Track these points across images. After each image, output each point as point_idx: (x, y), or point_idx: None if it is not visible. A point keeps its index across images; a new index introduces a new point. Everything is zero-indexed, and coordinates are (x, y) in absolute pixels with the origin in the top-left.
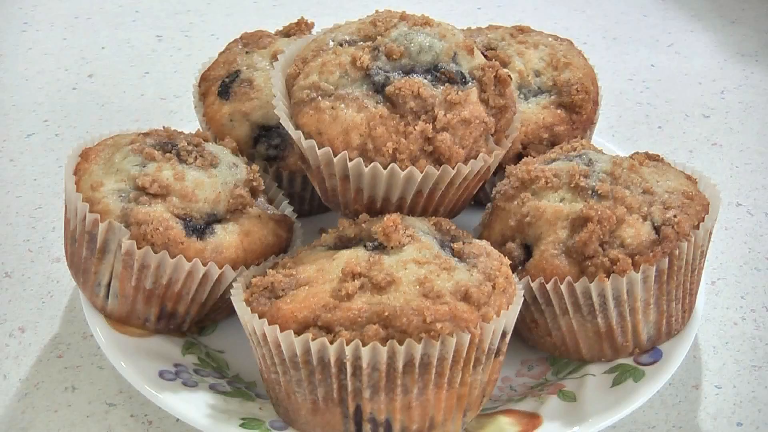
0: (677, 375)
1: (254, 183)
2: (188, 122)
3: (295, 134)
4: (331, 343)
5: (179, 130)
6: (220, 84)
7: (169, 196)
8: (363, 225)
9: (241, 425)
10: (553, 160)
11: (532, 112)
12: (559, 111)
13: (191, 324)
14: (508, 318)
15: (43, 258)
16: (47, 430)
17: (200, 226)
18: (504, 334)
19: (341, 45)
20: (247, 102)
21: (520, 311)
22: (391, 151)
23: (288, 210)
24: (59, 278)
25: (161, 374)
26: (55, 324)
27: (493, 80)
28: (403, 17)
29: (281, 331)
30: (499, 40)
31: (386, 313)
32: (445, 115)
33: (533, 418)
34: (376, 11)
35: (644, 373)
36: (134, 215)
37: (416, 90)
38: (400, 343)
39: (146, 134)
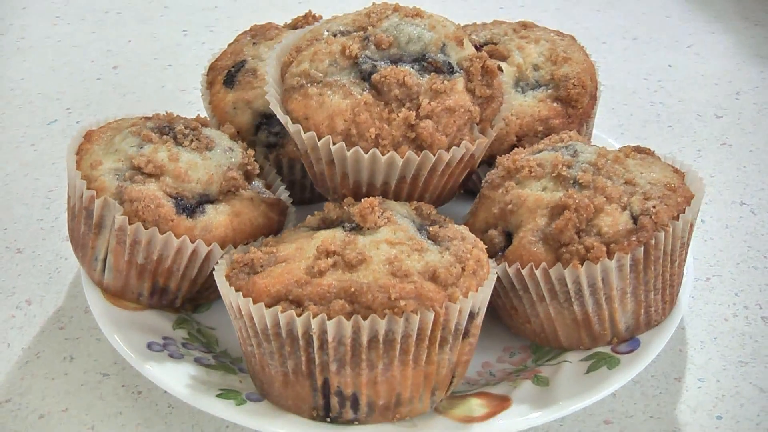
0: (660, 367)
1: (249, 167)
2: (203, 112)
3: (284, 119)
4: (299, 316)
5: (181, 116)
6: (226, 73)
7: (162, 176)
8: (345, 208)
9: (218, 395)
10: (541, 151)
11: (528, 105)
12: (555, 104)
13: (183, 300)
14: (476, 299)
15: (54, 236)
16: (43, 396)
17: (191, 205)
18: (473, 316)
19: (335, 35)
20: (250, 90)
21: (501, 297)
22: (373, 137)
23: (284, 195)
24: (67, 255)
25: (149, 346)
26: (60, 298)
27: (480, 70)
28: (396, 8)
29: (254, 303)
30: (501, 34)
31: (353, 289)
32: (429, 103)
33: (503, 401)
34: (373, 3)
35: (619, 362)
36: (128, 192)
37: (401, 78)
38: (365, 318)
39: (148, 118)
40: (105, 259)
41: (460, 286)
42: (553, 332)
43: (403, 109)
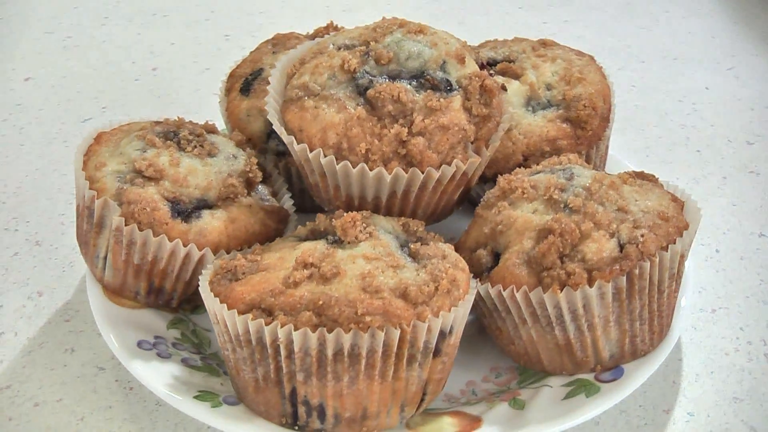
0: (650, 398)
1: (250, 174)
2: None
3: (279, 129)
4: (267, 325)
5: (191, 121)
6: (243, 81)
7: (162, 180)
8: (332, 220)
9: (196, 397)
10: (539, 172)
11: (537, 125)
12: (564, 125)
13: (180, 301)
14: (447, 319)
15: (72, 232)
16: (41, 385)
17: (187, 210)
18: (444, 335)
19: (339, 49)
20: (264, 99)
21: (487, 317)
22: (363, 152)
23: (288, 203)
24: None
25: (139, 344)
26: (70, 291)
27: (478, 89)
28: (402, 24)
29: (228, 309)
30: (520, 52)
31: (321, 302)
32: (422, 120)
33: (474, 421)
34: (383, 18)
35: (599, 390)
36: (126, 195)
37: (396, 94)
38: (330, 331)
39: (158, 123)
40: (105, 257)
41: (432, 305)
42: (536, 355)
43: (396, 125)
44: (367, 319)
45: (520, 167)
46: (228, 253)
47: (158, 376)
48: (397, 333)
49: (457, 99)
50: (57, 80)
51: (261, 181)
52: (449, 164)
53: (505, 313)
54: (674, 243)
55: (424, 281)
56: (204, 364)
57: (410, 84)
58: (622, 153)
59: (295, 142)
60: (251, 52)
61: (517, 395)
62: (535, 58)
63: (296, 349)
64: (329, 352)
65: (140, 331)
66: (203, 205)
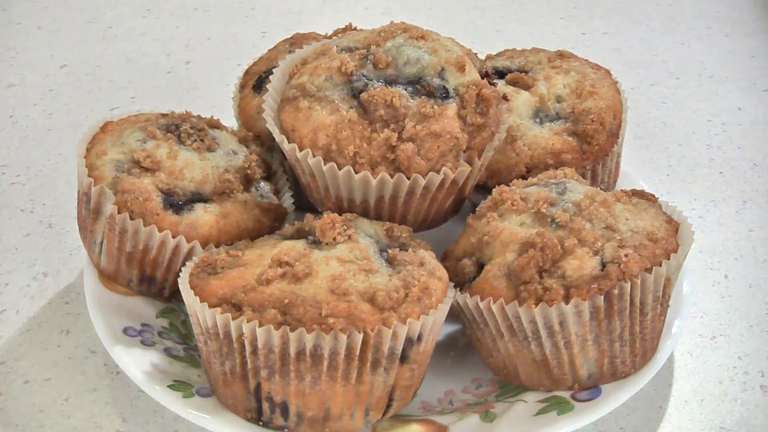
0: (632, 421)
1: (249, 171)
2: None
3: (272, 128)
4: (233, 320)
5: (199, 116)
6: (257, 78)
7: (158, 172)
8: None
9: (170, 386)
10: (533, 185)
11: (542, 137)
12: (570, 139)
13: (171, 291)
14: (414, 326)
15: None
16: (33, 363)
17: (180, 202)
18: (412, 342)
19: (342, 51)
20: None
21: (468, 328)
22: (351, 154)
23: (288, 201)
24: None
25: (125, 330)
26: (74, 275)
27: (474, 98)
28: (406, 29)
29: (200, 302)
30: (535, 63)
31: (286, 301)
32: (414, 126)
33: (441, 430)
34: (391, 22)
35: (573, 408)
36: (121, 184)
37: (389, 99)
38: (293, 330)
39: (164, 115)
40: (102, 243)
41: (400, 311)
42: (514, 369)
43: (386, 129)
44: (330, 320)
45: (522, 179)
46: (217, 247)
47: (137, 363)
48: (359, 337)
49: (452, 107)
50: (91, 69)
51: (265, 178)
52: (438, 172)
53: (483, 324)
54: (659, 265)
55: (394, 287)
56: (186, 355)
57: (406, 89)
58: (644, 170)
59: (286, 141)
60: (269, 50)
61: (491, 408)
62: (549, 70)
63: (260, 345)
64: (292, 351)
65: (128, 317)
66: (198, 198)
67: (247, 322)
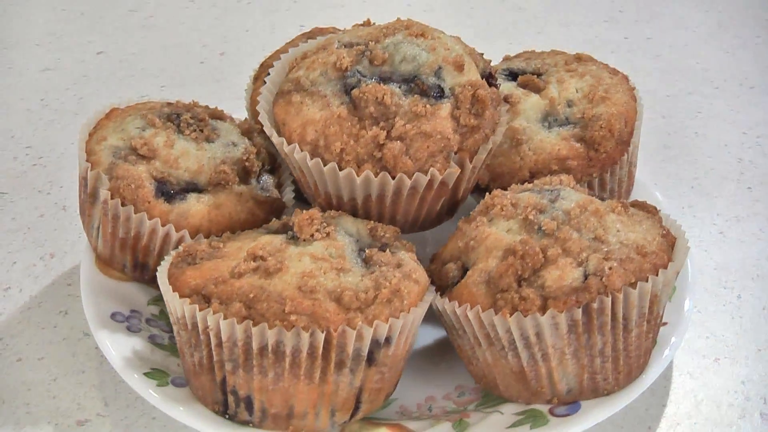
0: None
1: (247, 163)
2: None
3: (264, 120)
4: (200, 311)
5: (207, 106)
6: (269, 71)
7: (153, 159)
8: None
9: (146, 373)
10: (527, 190)
11: (549, 142)
12: (577, 145)
13: None
14: (380, 329)
15: None
16: (29, 342)
17: (172, 191)
18: (379, 344)
19: (344, 46)
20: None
21: (449, 334)
22: (338, 151)
23: (288, 195)
24: None
25: (113, 315)
26: (80, 257)
27: (470, 98)
28: (408, 26)
29: (173, 292)
30: (551, 65)
31: (252, 295)
32: (404, 125)
33: None
34: (397, 19)
35: (547, 422)
36: (116, 170)
37: (380, 96)
38: (255, 325)
39: (169, 104)
40: (98, 228)
41: (367, 312)
42: (493, 379)
43: (375, 127)
44: (293, 318)
45: (525, 183)
46: (208, 237)
47: (118, 348)
48: (321, 336)
49: (445, 107)
50: (126, 56)
51: (269, 171)
52: (426, 172)
53: (461, 331)
54: (646, 281)
55: (364, 288)
56: (170, 344)
57: (400, 87)
58: (667, 181)
59: (275, 134)
60: (285, 43)
61: (465, 417)
62: (564, 73)
63: (224, 338)
64: (254, 346)
65: (118, 303)
66: (192, 188)
67: (213, 314)
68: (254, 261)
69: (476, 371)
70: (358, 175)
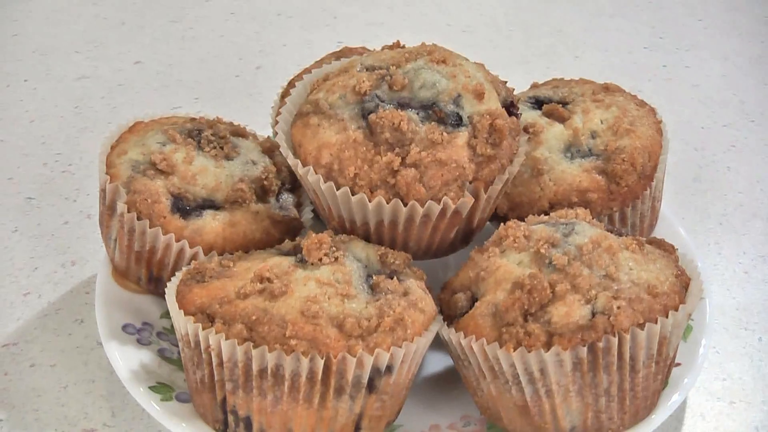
0: None
1: (265, 182)
2: None
3: (281, 142)
4: (203, 330)
5: (231, 123)
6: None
7: (171, 175)
8: None
9: (151, 387)
10: (542, 223)
11: (570, 173)
12: (599, 177)
13: None
14: (381, 357)
15: None
16: (43, 348)
17: (188, 207)
18: (381, 372)
19: (365, 70)
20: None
21: (455, 363)
22: (352, 175)
23: (307, 215)
24: None
25: (124, 327)
26: (99, 266)
27: (487, 128)
28: (430, 51)
29: (179, 309)
30: (578, 94)
31: (254, 317)
32: (419, 152)
33: None
34: (422, 43)
35: None
36: (134, 184)
37: (397, 122)
38: (256, 347)
39: (192, 119)
40: (116, 240)
41: (369, 340)
42: (497, 412)
43: (389, 153)
44: (293, 342)
45: (545, 215)
46: (221, 255)
47: (126, 360)
48: (320, 362)
49: (463, 135)
50: (163, 67)
51: (290, 190)
52: (440, 201)
53: (467, 362)
54: (655, 322)
55: (368, 315)
56: (179, 358)
57: (418, 114)
58: (695, 216)
59: (291, 155)
60: (314, 62)
61: None
62: (590, 103)
63: (225, 359)
64: (254, 368)
65: (131, 315)
66: (209, 205)
67: (216, 333)
68: (260, 283)
69: (481, 402)
70: (370, 201)
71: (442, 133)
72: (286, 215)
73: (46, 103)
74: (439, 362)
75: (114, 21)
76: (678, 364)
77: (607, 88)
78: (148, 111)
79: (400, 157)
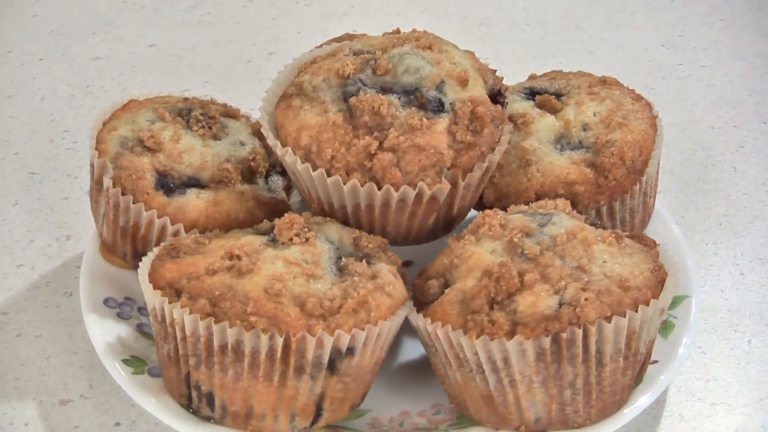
0: None
1: (252, 163)
2: None
3: (264, 123)
4: (168, 304)
5: (225, 104)
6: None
7: (158, 153)
8: None
9: (124, 360)
10: (521, 212)
11: (558, 165)
12: (587, 170)
13: None
14: (342, 339)
15: None
16: (31, 319)
17: (173, 185)
18: (341, 354)
19: (354, 54)
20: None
21: (426, 350)
22: (329, 158)
23: (296, 198)
24: None
25: (106, 300)
26: (88, 240)
27: (468, 115)
28: (418, 38)
29: (148, 283)
30: (575, 87)
31: (217, 293)
32: (397, 136)
33: None
34: (413, 30)
35: None
36: (121, 160)
37: (377, 106)
38: (217, 322)
39: (185, 99)
40: (104, 215)
41: (330, 321)
42: (464, 400)
43: (368, 137)
44: (253, 319)
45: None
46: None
47: (104, 333)
48: (280, 340)
49: (443, 121)
50: (177, 51)
51: (280, 173)
52: (415, 186)
53: (434, 349)
54: (623, 316)
55: (331, 296)
56: None
57: (399, 98)
58: (695, 215)
59: (271, 136)
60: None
61: None
62: (585, 95)
63: (188, 333)
64: (215, 344)
65: (114, 289)
66: (194, 183)
67: (180, 308)
68: (230, 260)
69: (450, 391)
70: (345, 183)
71: (422, 119)
72: (272, 197)
73: (58, 82)
74: (414, 349)
75: (133, 4)
76: (655, 362)
77: (604, 81)
78: (157, 93)
79: (378, 141)
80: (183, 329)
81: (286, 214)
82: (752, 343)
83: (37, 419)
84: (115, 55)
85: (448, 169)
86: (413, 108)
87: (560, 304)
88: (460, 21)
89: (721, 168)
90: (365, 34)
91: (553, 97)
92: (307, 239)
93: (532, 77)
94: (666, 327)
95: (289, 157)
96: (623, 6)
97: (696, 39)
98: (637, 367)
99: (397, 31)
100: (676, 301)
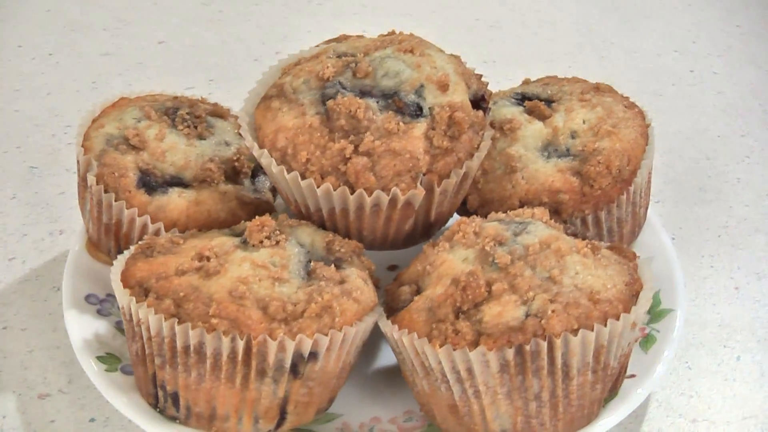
0: None
1: (236, 164)
2: None
3: (243, 123)
4: (135, 303)
5: (215, 104)
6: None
7: (142, 151)
8: None
9: (99, 357)
10: (497, 220)
11: (543, 172)
12: (573, 179)
13: None
14: (304, 343)
15: None
16: (18, 312)
17: (155, 184)
18: (303, 358)
19: (338, 56)
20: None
21: (396, 358)
22: (304, 161)
23: (281, 199)
24: None
25: (87, 297)
26: (76, 236)
27: (446, 120)
28: (401, 41)
29: (119, 282)
30: (567, 93)
31: (182, 294)
32: (373, 141)
33: None
34: (400, 33)
35: None
36: (105, 157)
37: (354, 110)
38: (180, 323)
39: (175, 98)
40: (90, 211)
41: (292, 325)
42: (431, 409)
43: (343, 140)
44: (214, 321)
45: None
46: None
47: (81, 329)
48: (240, 343)
49: (420, 126)
50: (185, 48)
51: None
52: (389, 191)
53: (401, 357)
54: (591, 329)
55: (296, 300)
56: None
57: (378, 102)
58: (693, 227)
59: (249, 137)
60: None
61: None
62: (576, 102)
63: (153, 333)
64: (179, 344)
65: (96, 285)
66: (177, 182)
67: (147, 308)
68: (200, 261)
69: (419, 399)
70: (318, 186)
71: (398, 123)
72: (257, 197)
73: (65, 77)
74: (389, 355)
75: (146, 1)
76: (632, 376)
77: (597, 88)
78: (161, 90)
79: (353, 145)
80: (148, 329)
81: (257, 217)
82: (741, 359)
83: (14, 412)
84: (124, 51)
85: (424, 175)
86: (390, 112)
87: (527, 315)
88: (472, 22)
89: (725, 178)
90: (362, 36)
91: (543, 103)
92: (277, 242)
93: (526, 82)
94: (647, 340)
95: (265, 159)
96: (638, 10)
97: (710, 45)
98: (609, 380)
99: (392, 33)
100: (660, 315)
